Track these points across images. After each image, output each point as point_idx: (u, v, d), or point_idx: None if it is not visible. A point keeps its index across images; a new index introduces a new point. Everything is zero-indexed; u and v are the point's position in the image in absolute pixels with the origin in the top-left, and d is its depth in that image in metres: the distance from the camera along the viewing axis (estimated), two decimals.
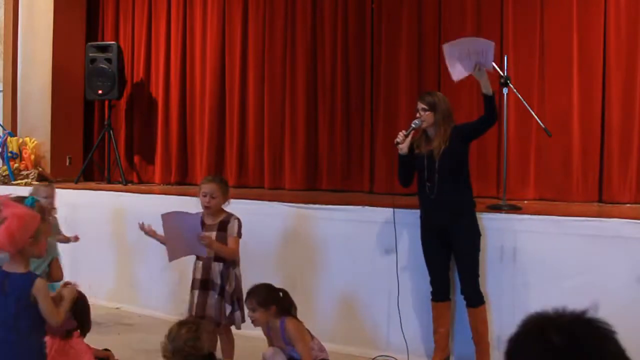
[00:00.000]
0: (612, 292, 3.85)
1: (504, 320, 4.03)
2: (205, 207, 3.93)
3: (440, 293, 4.14)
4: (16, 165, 6.92)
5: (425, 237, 4.14)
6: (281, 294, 3.74)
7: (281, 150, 6.39)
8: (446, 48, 4.14)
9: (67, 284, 3.13)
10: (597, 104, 5.09)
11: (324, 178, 6.19)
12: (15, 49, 7.28)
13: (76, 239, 4.80)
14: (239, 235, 3.91)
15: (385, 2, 5.93)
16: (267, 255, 4.86)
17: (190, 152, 6.98)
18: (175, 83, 7.01)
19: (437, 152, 3.94)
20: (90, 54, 6.93)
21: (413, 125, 3.99)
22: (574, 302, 3.94)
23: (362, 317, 4.63)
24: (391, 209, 4.44)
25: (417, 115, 4.01)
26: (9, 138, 6.99)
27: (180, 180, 6.97)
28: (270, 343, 3.80)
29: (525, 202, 5.08)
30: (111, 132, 6.96)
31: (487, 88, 3.93)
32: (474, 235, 4.04)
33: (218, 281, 3.87)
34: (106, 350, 3.95)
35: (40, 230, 2.93)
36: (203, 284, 3.89)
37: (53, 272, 3.89)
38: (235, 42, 6.67)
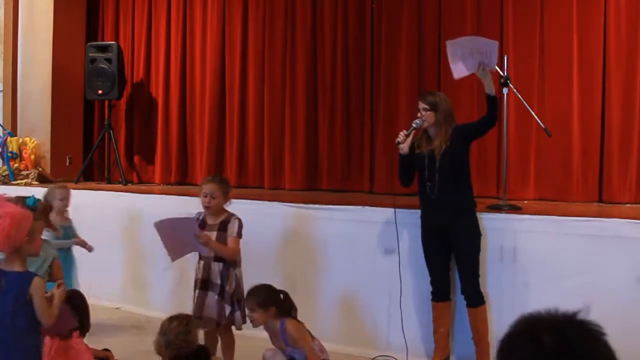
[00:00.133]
0: (612, 292, 3.85)
1: (504, 320, 4.02)
2: (206, 208, 3.93)
3: (440, 293, 4.14)
4: (16, 165, 6.92)
5: (425, 237, 4.14)
6: (282, 295, 3.73)
7: (281, 150, 6.39)
8: (449, 45, 4.12)
9: (60, 285, 3.13)
10: (597, 104, 5.09)
11: (324, 178, 6.19)
12: (15, 49, 7.28)
13: (90, 248, 4.84)
14: (239, 235, 3.90)
15: (385, 2, 5.93)
16: (267, 255, 4.86)
17: (190, 152, 6.98)
18: (175, 83, 7.01)
19: (438, 152, 3.94)
20: (90, 54, 6.93)
21: (414, 125, 3.99)
22: (574, 302, 3.94)
23: (362, 317, 4.63)
24: (391, 209, 4.45)
25: (418, 115, 4.00)
26: (9, 138, 6.99)
27: (180, 180, 6.97)
28: (274, 344, 3.80)
29: (525, 202, 5.08)
30: (111, 132, 6.96)
31: (490, 88, 3.93)
32: (475, 235, 4.04)
33: (218, 281, 3.87)
34: (106, 350, 3.95)
35: (35, 229, 2.94)
36: (203, 284, 3.89)
37: (54, 272, 3.90)
38: (235, 42, 6.67)
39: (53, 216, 4.84)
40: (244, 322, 3.91)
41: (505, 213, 4.35)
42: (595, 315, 3.95)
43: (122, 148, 7.26)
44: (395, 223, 4.33)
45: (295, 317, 3.73)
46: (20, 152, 6.97)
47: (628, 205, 4.89)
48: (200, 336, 3.78)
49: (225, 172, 6.55)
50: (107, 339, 4.65)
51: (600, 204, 5.03)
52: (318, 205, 4.94)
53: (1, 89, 7.43)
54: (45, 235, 4.77)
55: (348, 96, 6.11)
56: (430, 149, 3.99)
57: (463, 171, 4.04)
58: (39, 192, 4.84)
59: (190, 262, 4.53)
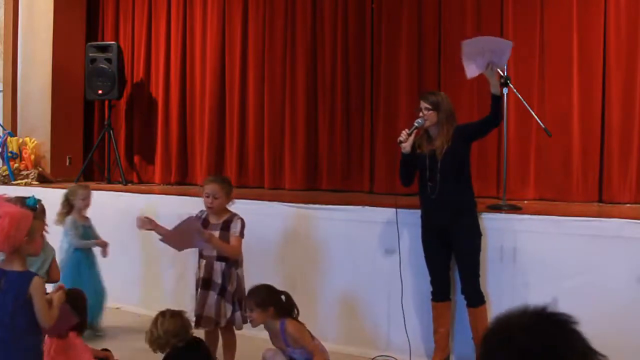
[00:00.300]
0: (612, 292, 3.86)
1: None
2: (209, 208, 3.93)
3: (440, 293, 4.14)
4: (16, 165, 6.92)
5: (425, 237, 4.15)
6: (283, 296, 3.73)
7: (281, 150, 6.39)
8: (465, 45, 4.05)
9: (60, 288, 3.13)
10: (597, 104, 5.09)
11: (324, 178, 6.19)
12: (15, 49, 7.28)
13: (107, 253, 4.88)
14: (242, 235, 3.90)
15: (385, 2, 5.93)
16: (267, 255, 4.86)
17: (190, 152, 6.98)
18: (175, 83, 7.01)
19: (440, 152, 3.94)
20: (90, 54, 6.93)
21: (416, 124, 3.99)
22: (574, 302, 3.94)
23: (362, 317, 4.64)
24: (391, 209, 4.45)
25: (420, 114, 4.00)
26: (9, 138, 6.99)
27: (180, 180, 6.97)
28: (274, 344, 3.80)
29: (525, 202, 5.08)
30: (111, 132, 6.96)
31: (496, 88, 3.92)
32: (475, 235, 4.04)
33: (219, 281, 3.87)
34: (106, 350, 3.95)
35: (35, 228, 2.94)
36: (205, 283, 3.89)
37: (52, 272, 3.90)
38: (235, 42, 6.67)
39: (73, 215, 4.86)
40: (245, 322, 3.91)
41: (505, 213, 4.35)
42: (595, 315, 3.96)
43: (122, 148, 7.26)
44: (397, 223, 4.33)
45: (295, 318, 3.72)
46: (20, 152, 6.97)
47: (628, 205, 4.89)
48: (201, 335, 3.79)
49: (225, 172, 6.55)
50: (107, 339, 4.66)
51: (600, 204, 5.03)
52: (318, 205, 4.94)
53: (1, 89, 7.43)
54: (69, 234, 4.79)
55: (348, 96, 6.11)
56: (431, 149, 3.99)
57: (464, 171, 4.04)
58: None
59: (191, 262, 4.54)
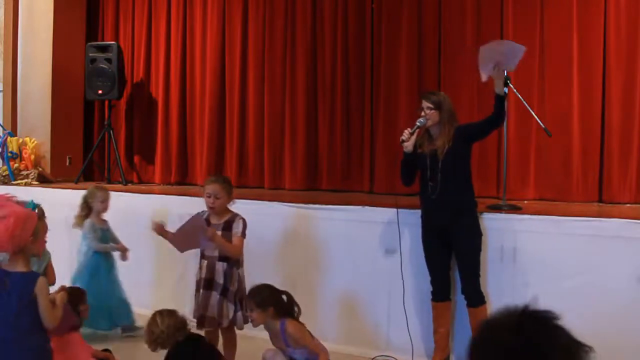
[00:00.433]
0: (612, 292, 3.86)
1: None
2: (210, 208, 3.93)
3: (440, 293, 4.14)
4: (16, 165, 6.92)
5: (426, 237, 4.15)
6: (284, 296, 3.72)
7: (281, 150, 6.39)
8: (481, 50, 4.03)
9: (62, 289, 3.14)
10: (597, 104, 5.09)
11: (324, 178, 6.19)
12: (15, 49, 7.28)
13: (126, 257, 4.85)
14: (243, 235, 3.91)
15: (385, 2, 5.93)
16: (267, 255, 4.86)
17: (190, 152, 6.98)
18: (175, 83, 7.01)
19: (441, 152, 3.94)
20: (90, 54, 6.93)
21: (418, 124, 3.99)
22: (574, 302, 3.93)
23: (362, 317, 4.63)
24: (391, 209, 4.45)
25: (422, 113, 4.00)
26: (9, 138, 6.99)
27: (180, 180, 6.97)
28: (274, 344, 3.80)
29: (525, 202, 5.08)
30: (111, 132, 6.96)
31: (500, 88, 3.92)
32: (475, 235, 4.04)
33: (221, 281, 3.87)
34: (106, 350, 3.95)
35: (39, 229, 2.95)
36: (207, 284, 3.89)
37: (48, 275, 3.90)
38: (235, 42, 6.67)
39: (92, 218, 4.84)
40: (246, 322, 3.92)
41: (505, 213, 4.35)
42: (595, 315, 3.96)
43: (122, 148, 7.26)
44: (398, 223, 4.33)
45: (296, 318, 3.72)
46: (20, 152, 6.97)
47: (628, 205, 4.89)
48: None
49: (225, 172, 6.55)
50: (107, 339, 4.66)
51: (600, 204, 5.03)
52: (318, 205, 4.94)
53: (1, 89, 7.43)
54: (87, 237, 4.77)
55: (348, 96, 6.11)
56: (432, 149, 3.99)
57: (465, 171, 4.04)
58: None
59: (191, 262, 4.54)
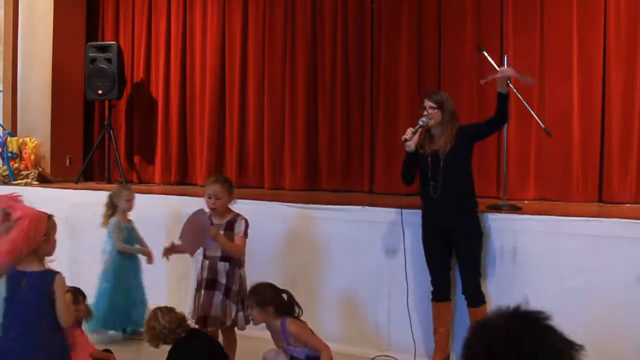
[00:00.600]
0: (612, 292, 3.86)
1: None
2: (212, 209, 3.93)
3: (440, 293, 4.14)
4: (16, 165, 6.92)
5: (426, 237, 4.14)
6: (285, 295, 3.73)
7: (281, 150, 6.39)
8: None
9: (68, 290, 3.15)
10: (597, 104, 5.09)
11: (324, 178, 6.19)
12: (15, 49, 7.28)
13: (152, 260, 4.78)
14: (246, 235, 3.91)
15: (385, 2, 5.93)
16: (267, 255, 4.86)
17: (190, 152, 6.98)
18: (175, 83, 7.00)
19: (443, 152, 3.94)
20: (90, 54, 6.93)
21: (421, 123, 3.98)
22: (574, 302, 3.93)
23: (363, 317, 4.64)
24: (391, 209, 4.46)
25: (425, 113, 3.99)
26: (9, 138, 6.98)
27: (180, 180, 6.97)
28: (275, 343, 3.80)
29: (525, 202, 5.09)
30: (111, 132, 6.95)
31: (504, 87, 3.90)
32: (476, 235, 4.04)
33: (223, 281, 3.88)
34: (107, 351, 3.95)
35: (50, 228, 2.99)
36: (209, 284, 3.89)
37: None
38: (235, 42, 6.67)
39: (117, 217, 4.81)
40: (248, 322, 3.93)
41: (505, 213, 4.35)
42: (595, 315, 3.95)
43: (122, 148, 7.25)
44: (402, 223, 4.33)
45: (297, 317, 3.73)
46: (20, 152, 6.97)
47: (628, 205, 4.90)
48: None
49: (225, 172, 6.54)
50: (107, 339, 4.66)
51: (600, 204, 5.03)
52: (318, 205, 4.94)
53: (1, 89, 7.43)
54: (112, 236, 4.74)
55: (348, 96, 6.11)
56: (433, 149, 3.99)
57: (466, 171, 4.04)
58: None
59: (192, 262, 4.54)
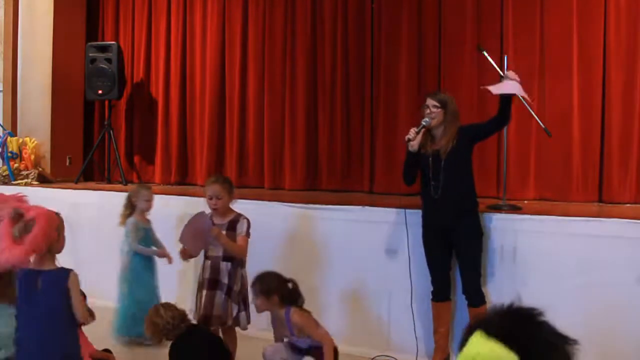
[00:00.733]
0: (612, 292, 3.86)
1: None
2: (213, 209, 3.93)
3: (441, 293, 4.14)
4: (16, 165, 6.92)
5: (427, 237, 4.14)
6: (290, 284, 3.73)
7: (281, 150, 6.39)
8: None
9: None
10: (597, 104, 5.09)
11: (324, 178, 6.19)
12: (15, 49, 7.28)
13: (171, 260, 4.72)
14: (248, 235, 3.92)
15: (385, 2, 5.93)
16: (267, 255, 4.84)
17: (190, 152, 6.98)
18: (175, 83, 7.01)
19: (444, 152, 3.94)
20: (90, 54, 6.93)
21: (424, 123, 3.98)
22: (574, 302, 3.92)
23: (363, 317, 4.64)
24: (392, 209, 4.46)
25: (427, 112, 3.99)
26: (9, 138, 6.99)
27: (180, 180, 6.97)
28: (276, 333, 3.80)
29: (525, 202, 5.08)
30: (111, 132, 6.96)
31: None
32: (477, 235, 4.05)
33: (226, 281, 3.88)
34: (106, 350, 3.94)
35: (61, 226, 3.04)
36: (211, 284, 3.90)
37: None
38: (235, 42, 6.67)
39: (135, 217, 4.77)
40: (249, 322, 3.94)
41: (505, 213, 4.35)
42: (595, 315, 3.94)
43: (122, 148, 7.26)
44: (406, 224, 4.33)
45: (301, 307, 3.72)
46: (20, 152, 6.97)
47: (628, 205, 4.89)
48: None
49: (225, 172, 6.54)
50: (107, 339, 4.65)
51: (600, 204, 5.03)
52: (318, 205, 4.94)
53: (1, 89, 7.43)
54: (129, 236, 4.72)
55: (348, 96, 6.11)
56: (435, 149, 3.99)
57: (467, 171, 4.04)
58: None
59: (192, 262, 4.54)
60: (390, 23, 5.90)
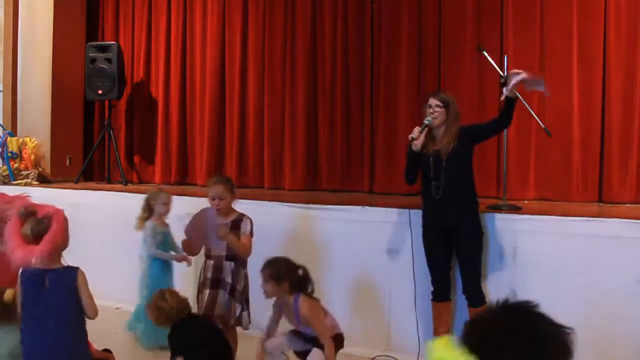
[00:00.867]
0: (612, 292, 3.86)
1: None
2: (216, 210, 3.94)
3: (441, 293, 4.14)
4: (16, 165, 6.92)
5: (427, 237, 4.14)
6: (301, 271, 3.72)
7: (281, 150, 6.39)
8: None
9: None
10: (597, 104, 5.09)
11: (324, 178, 6.19)
12: (15, 49, 7.28)
13: (190, 262, 4.66)
14: (251, 234, 3.93)
15: (385, 2, 5.93)
16: (267, 255, 4.82)
17: (190, 152, 6.98)
18: (175, 83, 7.01)
19: (445, 152, 3.94)
20: (90, 54, 6.93)
21: (426, 122, 3.98)
22: (574, 302, 3.92)
23: (363, 317, 4.64)
24: (392, 209, 4.46)
25: (430, 111, 3.99)
26: (9, 138, 6.99)
27: (180, 180, 6.97)
28: (274, 317, 3.81)
29: (525, 202, 5.09)
30: (111, 132, 6.96)
31: (512, 92, 3.89)
32: (477, 235, 4.04)
33: (229, 280, 3.89)
34: (106, 350, 3.95)
35: (67, 224, 3.05)
36: (214, 283, 3.90)
37: None
38: (235, 42, 6.67)
39: (153, 220, 4.70)
40: (251, 322, 3.95)
41: (505, 213, 4.35)
42: (595, 315, 3.93)
43: (122, 148, 7.26)
44: (410, 224, 4.32)
45: (310, 294, 3.71)
46: (20, 152, 6.97)
47: (628, 205, 4.90)
48: None
49: (225, 172, 6.55)
50: (107, 339, 4.65)
51: (600, 204, 5.03)
52: (318, 205, 4.94)
53: (1, 89, 7.43)
54: (147, 241, 4.67)
55: (348, 96, 6.11)
56: (436, 149, 3.99)
57: (468, 171, 4.04)
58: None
59: (192, 262, 4.54)
60: (390, 23, 5.90)
